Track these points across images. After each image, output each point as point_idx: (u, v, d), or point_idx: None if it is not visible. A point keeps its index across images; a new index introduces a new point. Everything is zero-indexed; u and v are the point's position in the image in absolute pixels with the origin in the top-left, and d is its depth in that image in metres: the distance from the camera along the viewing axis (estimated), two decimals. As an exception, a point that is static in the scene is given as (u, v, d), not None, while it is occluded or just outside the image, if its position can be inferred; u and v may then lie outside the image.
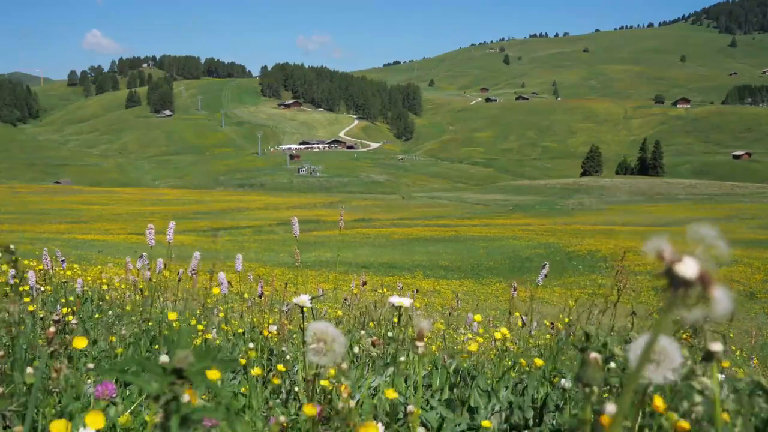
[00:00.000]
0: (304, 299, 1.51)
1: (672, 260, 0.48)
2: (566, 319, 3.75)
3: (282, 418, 1.08)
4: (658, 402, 0.99)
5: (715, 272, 0.46)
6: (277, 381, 1.97)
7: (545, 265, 3.39)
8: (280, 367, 2.21)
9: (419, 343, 1.03)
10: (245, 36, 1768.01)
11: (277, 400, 2.19)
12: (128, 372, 0.72)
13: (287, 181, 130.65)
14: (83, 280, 4.74)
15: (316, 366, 1.78)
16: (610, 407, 0.74)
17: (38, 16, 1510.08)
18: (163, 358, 1.12)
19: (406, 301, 1.47)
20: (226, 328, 3.99)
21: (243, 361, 2.49)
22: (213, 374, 0.73)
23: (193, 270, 3.34)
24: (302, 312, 1.73)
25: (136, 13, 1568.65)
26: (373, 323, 4.37)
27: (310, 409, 1.18)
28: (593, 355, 0.84)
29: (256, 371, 2.03)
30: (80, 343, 1.47)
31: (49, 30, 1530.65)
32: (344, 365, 1.16)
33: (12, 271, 3.58)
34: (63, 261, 5.19)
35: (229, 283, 3.22)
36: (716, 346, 0.88)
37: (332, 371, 1.09)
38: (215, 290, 3.27)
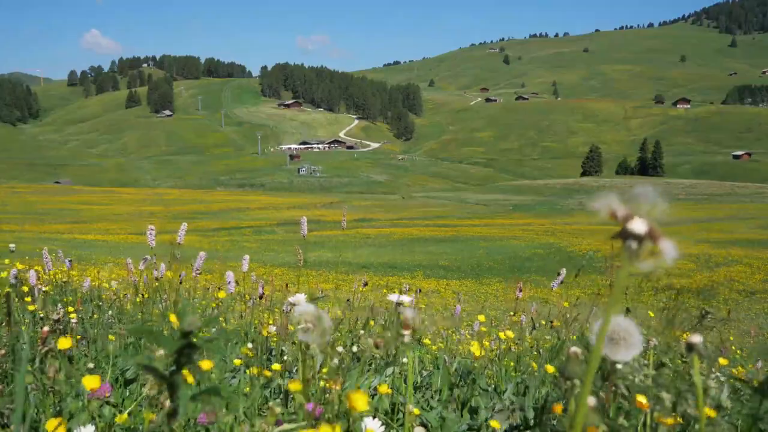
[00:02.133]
0: (299, 298, 1.51)
1: (624, 218, 0.54)
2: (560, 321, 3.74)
3: (278, 409, 1.08)
4: (641, 399, 0.99)
5: (660, 227, 0.54)
6: (268, 373, 1.97)
7: (562, 271, 3.39)
8: (277, 366, 2.21)
9: (405, 332, 1.04)
10: (245, 36, 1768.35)
11: (277, 400, 2.19)
12: (149, 332, 0.75)
13: (287, 181, 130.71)
14: (88, 280, 4.74)
15: (317, 366, 1.77)
16: (590, 400, 0.75)
17: (38, 16, 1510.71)
18: (160, 352, 1.12)
19: (405, 299, 1.47)
20: (226, 327, 3.99)
21: (239, 362, 2.49)
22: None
23: (198, 270, 3.33)
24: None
25: (136, 13, 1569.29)
26: (373, 322, 4.36)
27: (295, 385, 1.20)
28: (573, 349, 0.84)
29: (254, 370, 2.03)
30: (65, 343, 1.46)
31: (49, 30, 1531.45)
32: (342, 365, 1.16)
33: (13, 271, 3.58)
34: (69, 261, 5.18)
35: (236, 282, 3.22)
36: (696, 339, 0.89)
37: (325, 370, 1.09)
38: (221, 294, 3.27)
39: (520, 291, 3.25)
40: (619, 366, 0.94)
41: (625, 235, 0.54)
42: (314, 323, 0.97)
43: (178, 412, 0.72)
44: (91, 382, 1.27)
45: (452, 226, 51.88)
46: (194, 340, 0.71)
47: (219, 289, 4.35)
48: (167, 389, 0.70)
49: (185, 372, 0.73)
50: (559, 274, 3.30)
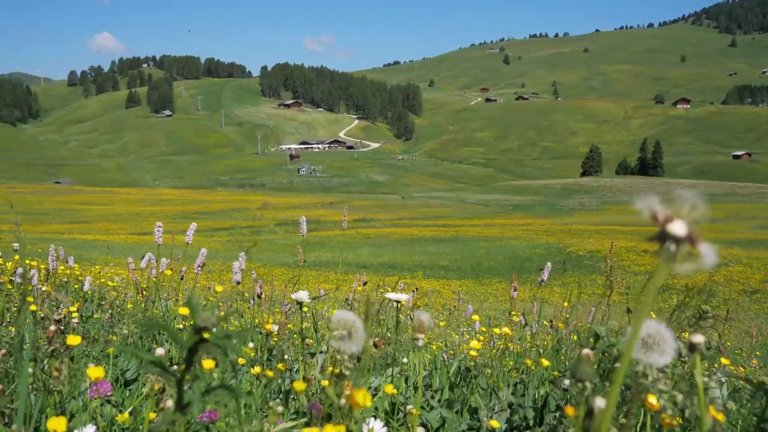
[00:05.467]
0: (302, 296, 1.52)
1: (665, 220, 0.54)
2: (562, 320, 3.75)
3: (279, 408, 1.09)
4: (652, 400, 0.99)
5: (700, 230, 0.54)
6: (270, 373, 1.98)
7: (547, 266, 3.39)
8: (281, 366, 2.21)
9: (419, 336, 1.05)
10: (245, 36, 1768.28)
11: (277, 400, 2.19)
12: (164, 328, 0.74)
13: (287, 181, 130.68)
14: (89, 279, 4.74)
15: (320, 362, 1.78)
16: (600, 401, 0.75)
17: (38, 15, 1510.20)
18: (159, 351, 1.12)
19: (403, 297, 1.49)
20: (225, 325, 3.98)
21: (242, 361, 2.49)
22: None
23: (199, 266, 3.34)
24: (301, 309, 1.73)
25: (136, 13, 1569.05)
26: (369, 323, 4.37)
27: (300, 384, 1.20)
28: (585, 351, 0.85)
29: (256, 370, 2.03)
30: (74, 340, 1.47)
31: (50, 30, 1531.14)
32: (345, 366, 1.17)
33: (19, 270, 3.59)
34: (69, 260, 5.19)
35: (241, 270, 3.22)
36: (697, 338, 0.89)
37: (329, 369, 1.10)
38: (218, 288, 3.28)
39: (515, 290, 3.25)
40: (649, 373, 0.93)
41: (664, 236, 0.54)
42: (350, 331, 0.97)
43: (190, 407, 0.74)
44: (94, 373, 1.27)
45: (452, 226, 51.88)
46: (208, 336, 0.70)
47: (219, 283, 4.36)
48: (175, 386, 0.70)
49: (198, 368, 0.73)
50: (542, 270, 3.30)
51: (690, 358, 0.91)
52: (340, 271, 24.80)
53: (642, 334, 0.75)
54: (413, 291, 6.59)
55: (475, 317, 4.40)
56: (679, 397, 0.95)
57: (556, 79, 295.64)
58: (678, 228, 0.54)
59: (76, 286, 5.13)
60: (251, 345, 2.65)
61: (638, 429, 1.42)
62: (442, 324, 6.12)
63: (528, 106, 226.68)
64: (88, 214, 62.60)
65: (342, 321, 0.99)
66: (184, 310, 2.60)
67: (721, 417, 0.99)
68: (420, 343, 1.05)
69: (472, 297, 21.34)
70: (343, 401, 1.03)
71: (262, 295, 3.62)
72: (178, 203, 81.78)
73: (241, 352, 2.41)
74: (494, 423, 1.86)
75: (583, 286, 24.81)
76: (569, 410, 0.86)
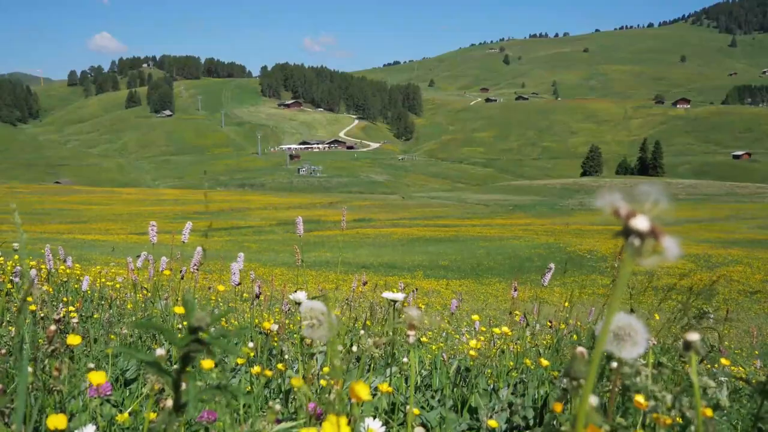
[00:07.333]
0: (300, 296, 1.52)
1: (627, 215, 0.55)
2: (568, 321, 3.75)
3: (278, 407, 1.09)
4: (640, 399, 0.99)
5: (662, 224, 0.54)
6: (269, 373, 1.98)
7: (550, 267, 3.39)
8: (281, 366, 2.21)
9: (410, 332, 1.05)
10: (245, 36, 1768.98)
11: (277, 399, 2.19)
12: (157, 328, 0.74)
13: (287, 181, 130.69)
14: (87, 278, 4.74)
15: (317, 363, 1.78)
16: (593, 399, 0.75)
17: (38, 16, 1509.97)
18: (159, 351, 1.12)
19: (399, 296, 1.49)
20: (226, 326, 3.98)
21: (242, 361, 2.49)
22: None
23: (196, 265, 3.34)
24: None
25: (137, 13, 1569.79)
26: (370, 322, 4.36)
27: (298, 381, 1.21)
28: (580, 349, 0.85)
29: (255, 369, 2.03)
30: (74, 340, 1.47)
31: (50, 30, 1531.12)
32: (339, 363, 1.17)
33: (17, 268, 3.59)
34: (67, 260, 5.19)
35: (240, 271, 3.22)
36: (693, 336, 0.89)
37: (326, 369, 1.10)
38: (220, 287, 3.28)
39: (516, 290, 3.25)
40: (624, 366, 0.94)
41: (627, 232, 0.54)
42: (320, 319, 0.97)
43: (186, 408, 0.73)
44: (96, 378, 1.27)
45: (452, 226, 51.88)
46: (203, 336, 0.70)
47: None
48: (171, 386, 0.70)
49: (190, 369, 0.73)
50: (548, 269, 3.30)
51: (686, 356, 0.91)
52: (340, 271, 24.79)
53: (613, 327, 0.75)
54: (413, 291, 6.59)
55: (475, 317, 4.40)
56: (669, 397, 0.96)
57: (556, 79, 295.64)
58: (641, 223, 0.54)
59: (75, 286, 5.13)
60: (251, 345, 2.65)
61: (637, 428, 1.41)
62: (442, 325, 6.13)
63: (528, 106, 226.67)
64: (88, 214, 62.60)
65: (311, 310, 0.99)
66: (181, 309, 2.60)
67: (709, 412, 0.99)
68: (411, 339, 1.05)
69: (473, 297, 21.34)
70: (333, 396, 1.03)
71: (261, 296, 3.63)
72: (178, 203, 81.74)
73: (237, 351, 2.41)
74: (493, 423, 1.86)
75: (584, 286, 24.79)
76: (556, 407, 0.87)
